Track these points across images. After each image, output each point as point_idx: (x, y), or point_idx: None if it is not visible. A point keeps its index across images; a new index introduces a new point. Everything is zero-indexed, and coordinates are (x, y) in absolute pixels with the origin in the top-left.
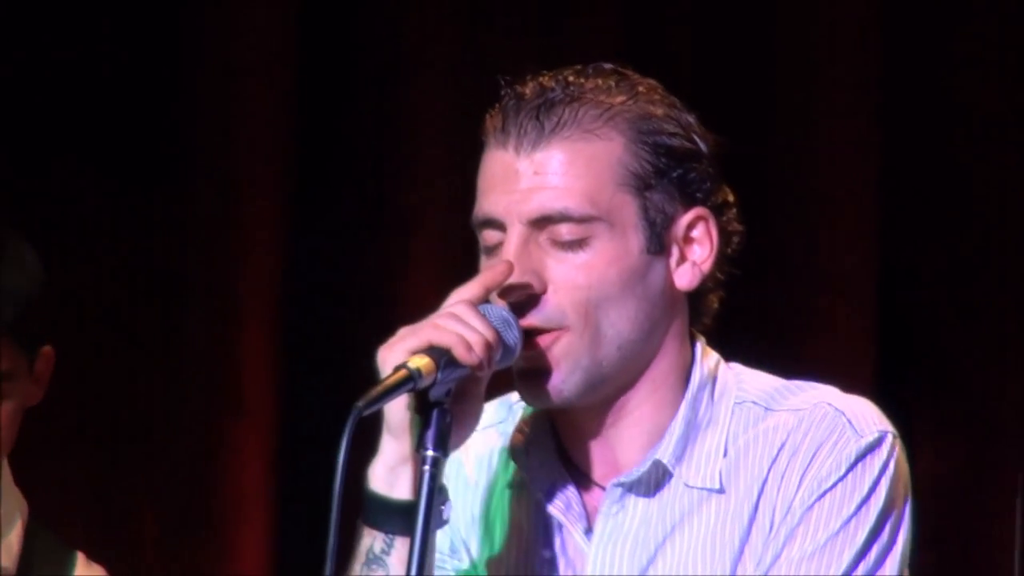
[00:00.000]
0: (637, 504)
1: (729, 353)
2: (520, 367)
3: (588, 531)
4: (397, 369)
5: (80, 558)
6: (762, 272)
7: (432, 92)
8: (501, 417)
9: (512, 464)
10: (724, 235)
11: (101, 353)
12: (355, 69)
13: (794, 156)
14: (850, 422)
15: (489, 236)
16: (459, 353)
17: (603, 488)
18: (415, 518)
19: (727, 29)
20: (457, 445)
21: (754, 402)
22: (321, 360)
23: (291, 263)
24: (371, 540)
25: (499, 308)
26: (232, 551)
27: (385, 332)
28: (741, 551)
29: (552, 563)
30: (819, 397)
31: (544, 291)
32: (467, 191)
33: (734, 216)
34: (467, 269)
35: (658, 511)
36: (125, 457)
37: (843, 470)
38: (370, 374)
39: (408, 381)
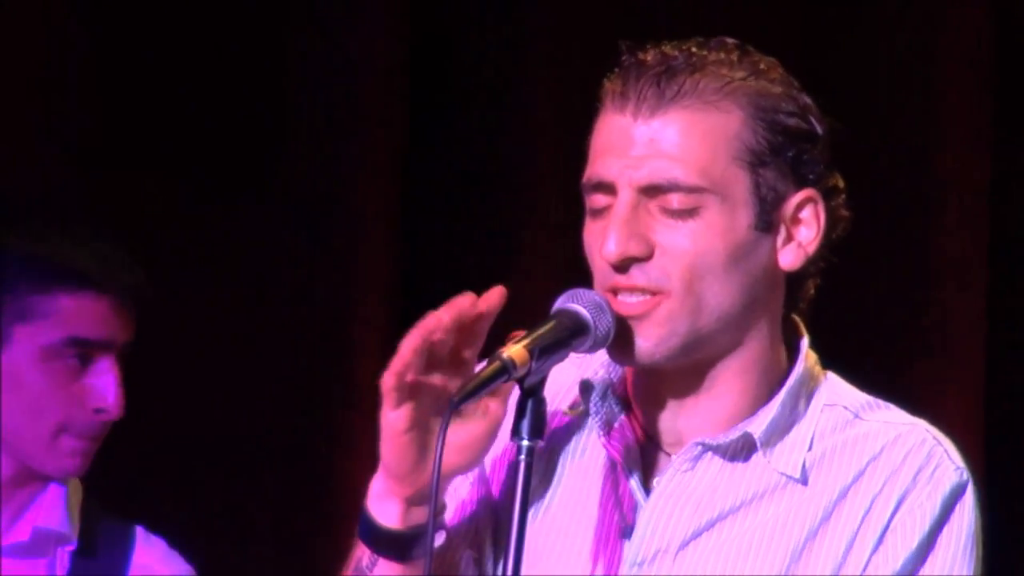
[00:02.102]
0: (709, 469)
1: (842, 343)
2: (616, 326)
3: (639, 480)
4: (491, 360)
5: (139, 532)
6: (873, 262)
7: (546, 84)
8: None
9: (577, 399)
10: (831, 219)
11: (212, 347)
12: (467, 69)
13: (906, 143)
14: (947, 453)
15: (598, 199)
16: None
17: (663, 449)
18: (510, 514)
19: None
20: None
21: (845, 407)
22: None
23: (403, 256)
24: (360, 552)
25: (593, 293)
26: (348, 547)
27: (495, 328)
28: (804, 546)
29: (603, 499)
30: (915, 420)
31: (650, 256)
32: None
33: (842, 203)
34: (579, 261)
35: (732, 482)
36: (237, 453)
37: (946, 502)
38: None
39: (502, 372)
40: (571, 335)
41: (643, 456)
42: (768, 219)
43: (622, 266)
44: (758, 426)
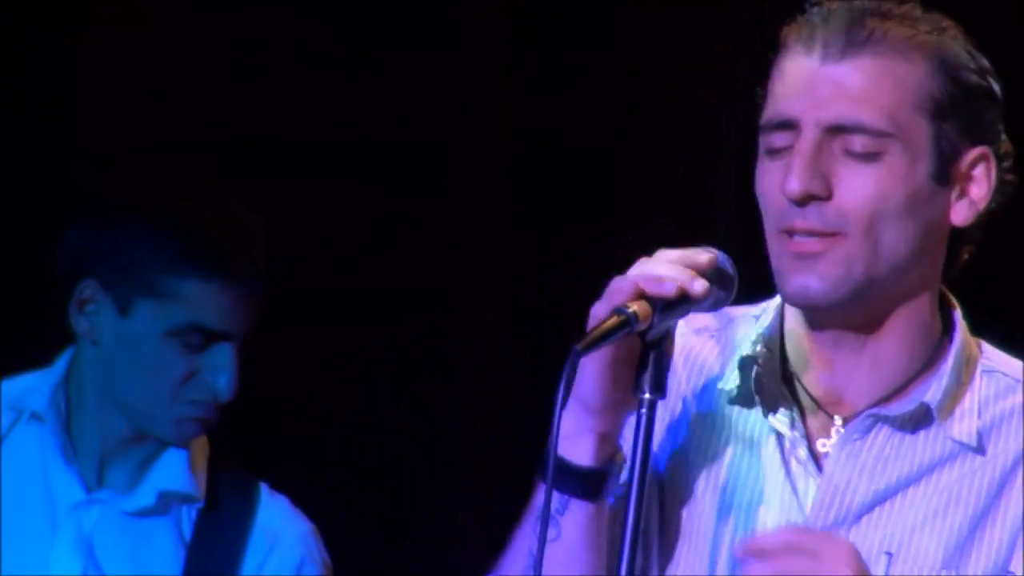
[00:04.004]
0: (879, 437)
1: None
2: (795, 254)
3: (807, 449)
4: (614, 313)
5: (264, 489)
6: None
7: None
8: (720, 325)
9: (730, 374)
10: (999, 181)
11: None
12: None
13: None
14: None
15: (778, 139)
16: (664, 290)
17: (826, 412)
18: (633, 464)
19: None
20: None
21: (1003, 373)
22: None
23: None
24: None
25: (722, 254)
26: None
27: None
28: (984, 514)
29: (771, 471)
30: None
31: (829, 196)
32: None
33: (1009, 167)
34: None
35: (905, 451)
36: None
37: None
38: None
39: (625, 325)
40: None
41: (806, 422)
42: (945, 172)
43: (803, 202)
44: (933, 395)
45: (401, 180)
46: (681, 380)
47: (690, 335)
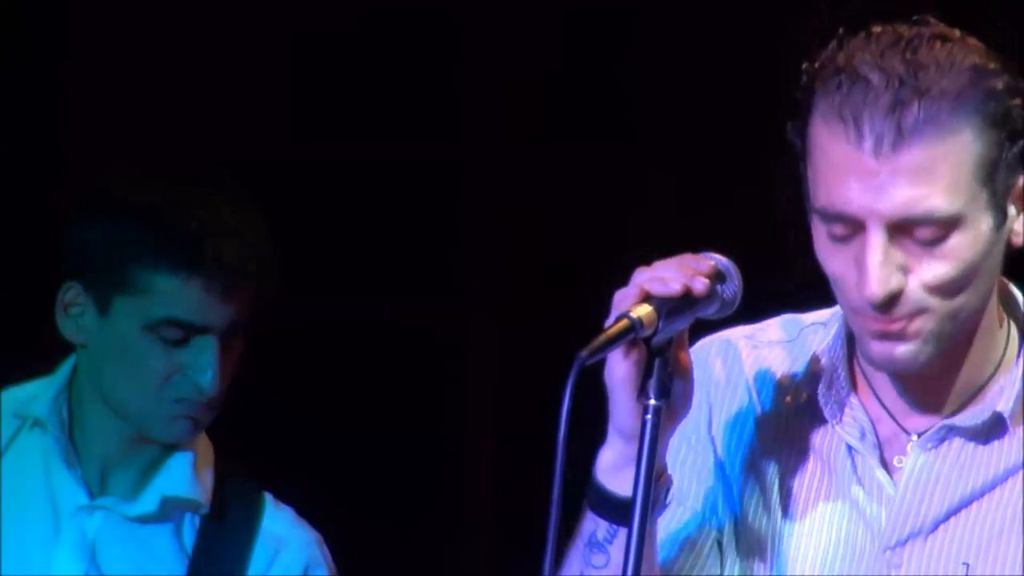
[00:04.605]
0: (953, 446)
1: None
2: (876, 331)
3: (879, 461)
4: (619, 319)
5: (269, 499)
6: None
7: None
8: (790, 335)
9: (799, 387)
10: None
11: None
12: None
13: None
14: None
15: (839, 229)
16: (670, 288)
17: (897, 423)
18: (635, 472)
19: None
20: (684, 395)
21: None
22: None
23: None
24: (594, 526)
25: (720, 257)
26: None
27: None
28: None
29: (845, 484)
30: None
31: (905, 285)
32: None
33: None
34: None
35: (979, 459)
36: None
37: None
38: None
39: (630, 330)
40: (698, 298)
41: (878, 434)
42: (1004, 212)
43: (884, 306)
44: (1006, 404)
45: (410, 185)
46: (752, 394)
47: (761, 347)
